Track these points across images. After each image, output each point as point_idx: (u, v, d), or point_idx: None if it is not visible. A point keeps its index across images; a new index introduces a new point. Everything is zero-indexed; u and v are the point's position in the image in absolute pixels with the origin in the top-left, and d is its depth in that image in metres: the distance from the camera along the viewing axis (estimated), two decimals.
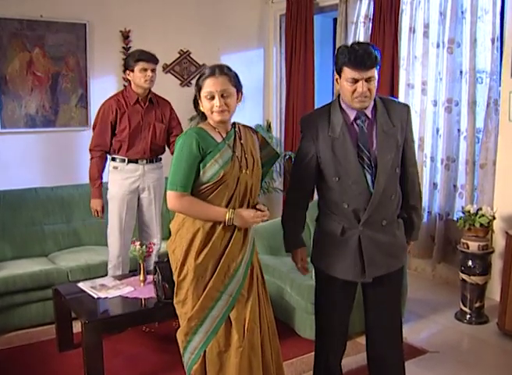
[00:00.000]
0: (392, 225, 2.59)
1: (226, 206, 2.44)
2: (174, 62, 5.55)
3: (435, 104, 4.61)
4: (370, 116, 2.52)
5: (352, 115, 2.51)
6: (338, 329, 2.77)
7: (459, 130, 4.54)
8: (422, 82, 4.67)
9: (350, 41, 5.19)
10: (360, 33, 5.13)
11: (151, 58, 3.77)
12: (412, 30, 4.70)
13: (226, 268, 2.46)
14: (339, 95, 2.55)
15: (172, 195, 2.43)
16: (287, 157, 5.71)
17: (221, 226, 2.44)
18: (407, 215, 2.68)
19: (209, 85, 2.41)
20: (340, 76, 2.45)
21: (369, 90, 2.41)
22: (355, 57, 2.36)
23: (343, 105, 2.52)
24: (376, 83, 2.45)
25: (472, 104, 4.37)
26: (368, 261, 2.54)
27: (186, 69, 5.63)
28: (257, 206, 2.54)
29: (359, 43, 2.47)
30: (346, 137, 2.48)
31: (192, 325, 2.47)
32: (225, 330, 2.47)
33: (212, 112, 2.43)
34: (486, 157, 4.31)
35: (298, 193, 2.70)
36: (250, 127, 2.65)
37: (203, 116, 2.51)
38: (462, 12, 4.38)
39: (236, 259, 2.47)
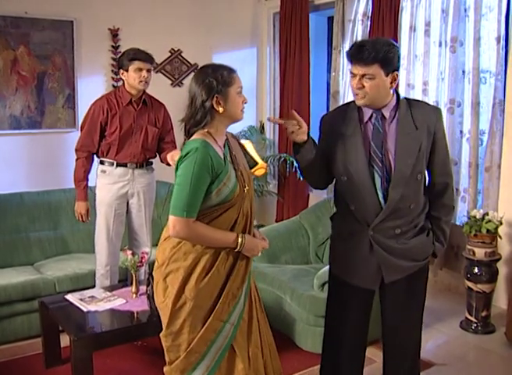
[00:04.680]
0: (407, 233, 2.44)
1: (231, 230, 2.26)
2: (165, 61, 5.38)
3: (437, 105, 4.41)
4: (387, 116, 2.39)
5: (367, 113, 2.40)
6: (350, 340, 2.62)
7: (461, 132, 4.40)
8: (423, 82, 4.51)
9: (347, 40, 5.07)
10: (358, 31, 4.96)
11: (147, 58, 3.57)
12: (413, 29, 4.54)
13: (231, 296, 2.26)
14: None
15: (178, 221, 2.16)
16: (282, 159, 5.54)
17: (224, 251, 2.24)
18: (431, 225, 2.52)
19: (239, 81, 2.28)
20: None
21: (364, 87, 2.29)
22: (350, 49, 2.31)
23: None
24: (379, 82, 2.29)
25: (476, 105, 4.22)
26: (383, 265, 2.42)
27: (177, 68, 5.47)
28: (257, 235, 2.41)
29: (370, 38, 2.37)
30: (357, 136, 2.38)
31: (192, 360, 2.24)
32: (228, 360, 2.28)
33: (241, 110, 2.29)
34: (491, 160, 4.17)
35: None
36: (232, 134, 2.48)
37: (211, 119, 2.24)
38: (465, 10, 4.23)
39: (240, 287, 2.29)
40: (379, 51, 2.25)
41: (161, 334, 2.31)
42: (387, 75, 2.30)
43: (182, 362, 2.25)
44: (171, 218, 2.17)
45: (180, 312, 2.23)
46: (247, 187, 2.28)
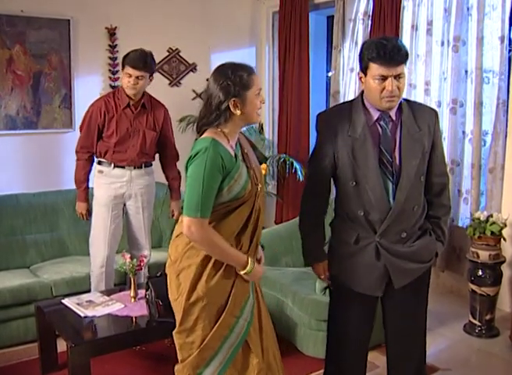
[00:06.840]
0: (412, 236, 2.41)
1: (242, 227, 2.22)
2: (163, 60, 5.31)
3: (439, 105, 4.39)
4: (394, 117, 2.35)
5: (375, 115, 2.34)
6: (354, 345, 2.57)
7: (464, 133, 4.35)
8: (425, 82, 4.46)
9: (347, 40, 5.02)
10: (358, 31, 4.91)
11: (138, 65, 3.46)
12: (414, 28, 4.49)
13: (241, 291, 2.25)
14: (361, 93, 2.38)
15: (192, 222, 2.13)
16: (281, 160, 5.48)
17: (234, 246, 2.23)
18: (430, 226, 2.48)
19: (258, 82, 2.22)
20: (366, 74, 2.28)
21: (398, 88, 2.25)
22: (384, 52, 2.20)
23: (367, 104, 2.35)
24: (405, 82, 2.28)
25: (478, 105, 4.17)
26: (392, 271, 2.38)
27: (175, 68, 5.40)
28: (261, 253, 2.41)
29: (386, 37, 2.33)
30: (367, 139, 2.31)
31: (205, 356, 2.22)
32: (243, 355, 2.27)
33: (257, 112, 2.23)
34: (495, 161, 4.11)
35: (316, 199, 2.51)
36: (241, 132, 2.43)
37: (225, 121, 2.19)
38: (468, 9, 4.17)
39: (248, 281, 2.28)
40: (405, 49, 2.24)
41: (174, 332, 2.28)
42: None
43: (195, 358, 2.23)
44: (185, 219, 2.15)
45: (193, 308, 2.21)
46: (259, 185, 2.27)
